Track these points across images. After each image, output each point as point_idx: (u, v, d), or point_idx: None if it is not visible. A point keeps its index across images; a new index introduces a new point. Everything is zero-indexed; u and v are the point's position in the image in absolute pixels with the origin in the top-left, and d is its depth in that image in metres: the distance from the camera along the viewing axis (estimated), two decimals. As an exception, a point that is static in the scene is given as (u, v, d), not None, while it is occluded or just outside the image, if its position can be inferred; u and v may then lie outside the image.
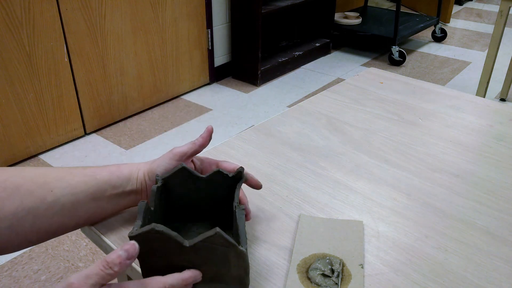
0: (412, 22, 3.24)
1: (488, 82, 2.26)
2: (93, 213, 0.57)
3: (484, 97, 2.08)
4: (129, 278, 0.62)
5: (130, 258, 0.41)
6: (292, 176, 0.73)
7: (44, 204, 0.52)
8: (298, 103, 1.10)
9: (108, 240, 0.58)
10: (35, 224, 0.52)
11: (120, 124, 2.26)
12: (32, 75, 1.86)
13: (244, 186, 0.63)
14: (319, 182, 0.71)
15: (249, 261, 0.56)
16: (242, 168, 0.57)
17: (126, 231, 0.60)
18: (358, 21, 3.21)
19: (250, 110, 2.39)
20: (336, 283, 0.52)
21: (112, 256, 0.40)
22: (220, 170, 0.57)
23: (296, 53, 2.93)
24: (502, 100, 2.49)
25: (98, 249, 1.48)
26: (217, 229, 0.44)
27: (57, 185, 0.53)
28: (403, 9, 3.97)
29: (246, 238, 0.50)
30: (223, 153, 0.79)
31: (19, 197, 0.51)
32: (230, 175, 0.57)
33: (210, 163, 0.61)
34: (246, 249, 0.47)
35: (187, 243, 0.45)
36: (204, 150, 0.78)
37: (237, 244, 0.46)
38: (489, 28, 3.77)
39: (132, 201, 0.59)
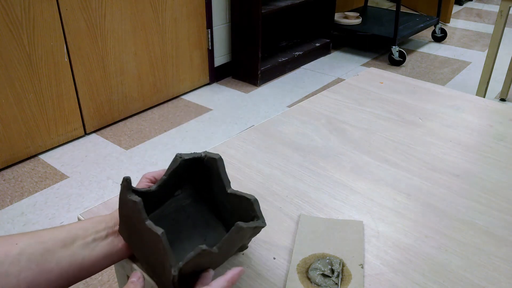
0: (412, 22, 3.24)
1: (488, 82, 2.26)
2: (68, 265, 0.49)
3: (484, 97, 2.08)
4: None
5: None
6: (292, 176, 0.73)
7: (9, 258, 0.45)
8: (298, 103, 1.10)
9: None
10: None
11: (120, 124, 2.26)
12: (32, 75, 1.85)
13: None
14: (319, 182, 0.71)
15: (250, 261, 0.56)
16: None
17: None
18: (358, 21, 3.21)
19: (250, 110, 2.39)
20: (336, 283, 0.52)
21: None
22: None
23: (296, 53, 2.93)
24: (502, 100, 2.49)
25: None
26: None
27: (22, 238, 0.48)
28: (403, 9, 3.97)
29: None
30: (223, 153, 0.79)
31: None
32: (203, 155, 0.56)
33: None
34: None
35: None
36: (203, 150, 0.78)
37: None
38: (489, 28, 3.77)
39: (113, 245, 0.53)
